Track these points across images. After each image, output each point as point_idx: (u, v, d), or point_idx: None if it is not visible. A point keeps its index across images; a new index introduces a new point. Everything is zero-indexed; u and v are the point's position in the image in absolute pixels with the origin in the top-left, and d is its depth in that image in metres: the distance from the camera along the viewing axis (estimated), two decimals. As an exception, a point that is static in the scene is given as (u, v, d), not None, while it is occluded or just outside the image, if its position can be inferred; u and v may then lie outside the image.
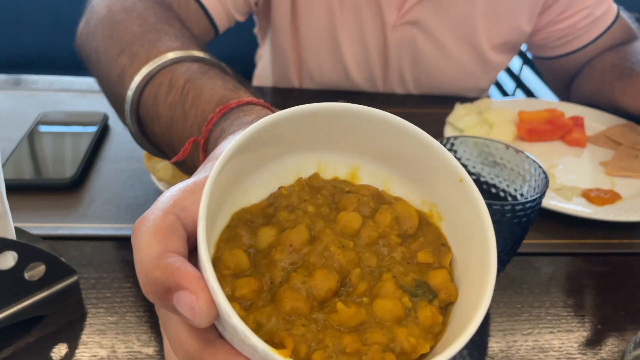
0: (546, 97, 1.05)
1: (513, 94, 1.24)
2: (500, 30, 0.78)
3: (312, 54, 0.79)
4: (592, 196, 0.56)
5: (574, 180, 0.61)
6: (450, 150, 0.42)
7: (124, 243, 0.49)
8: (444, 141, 0.46)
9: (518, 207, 0.39)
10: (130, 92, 0.42)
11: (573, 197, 0.56)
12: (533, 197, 0.39)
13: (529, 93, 1.19)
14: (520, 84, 1.23)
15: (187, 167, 0.41)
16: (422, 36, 0.76)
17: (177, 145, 0.40)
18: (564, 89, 0.87)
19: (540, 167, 0.42)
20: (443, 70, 0.79)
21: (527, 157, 0.43)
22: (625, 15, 0.80)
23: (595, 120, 0.72)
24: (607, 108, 0.75)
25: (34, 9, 1.26)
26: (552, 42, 0.82)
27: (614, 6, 0.80)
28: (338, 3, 0.73)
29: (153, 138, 0.44)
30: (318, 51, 0.78)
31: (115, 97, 0.47)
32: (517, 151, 0.45)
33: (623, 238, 0.54)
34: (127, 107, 0.43)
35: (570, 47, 0.81)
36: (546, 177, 0.41)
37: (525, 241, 0.51)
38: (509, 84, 1.29)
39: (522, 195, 0.44)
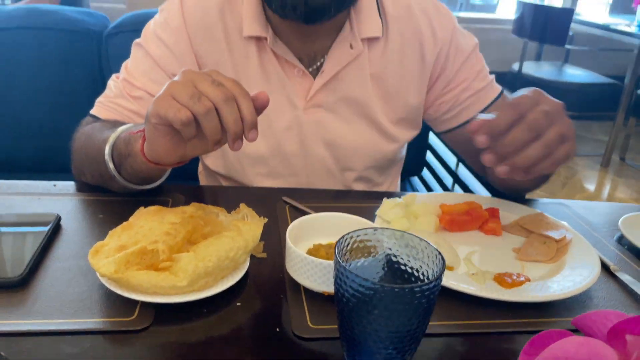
0: (482, 191, 1.15)
1: (452, 189, 1.34)
2: (393, 108, 0.91)
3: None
4: (503, 280, 0.62)
5: (489, 265, 0.67)
6: (377, 239, 0.51)
7: (63, 337, 0.51)
8: (374, 230, 0.52)
9: (416, 289, 0.44)
10: (108, 147, 0.73)
11: (486, 281, 0.62)
12: (432, 280, 0.45)
13: (465, 188, 1.28)
14: (457, 180, 1.34)
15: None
16: (329, 115, 0.89)
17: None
18: (476, 166, 1.00)
19: (439, 253, 0.49)
20: (351, 142, 0.91)
21: (429, 244, 0.50)
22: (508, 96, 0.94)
23: (510, 211, 0.80)
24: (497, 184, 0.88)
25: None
26: (442, 115, 0.95)
27: (497, 86, 0.94)
28: None
29: (121, 167, 0.73)
30: None
31: (97, 161, 0.76)
32: (421, 239, 0.51)
33: (531, 317, 0.59)
34: (107, 157, 0.73)
35: (460, 119, 0.94)
36: (443, 262, 0.47)
37: (440, 323, 0.57)
38: (448, 179, 1.39)
39: (428, 278, 0.50)
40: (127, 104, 0.86)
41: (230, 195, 0.87)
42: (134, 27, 1.30)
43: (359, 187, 0.97)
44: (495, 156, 0.61)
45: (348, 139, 0.91)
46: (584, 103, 3.36)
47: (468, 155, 1.02)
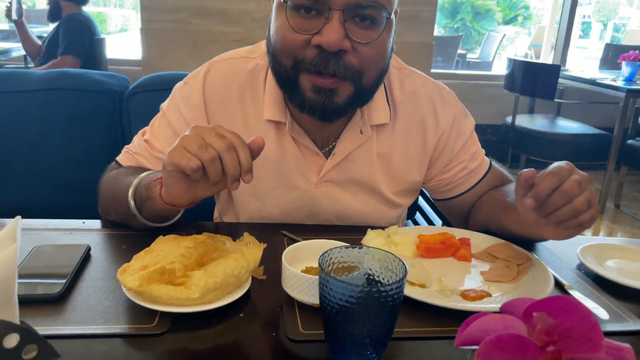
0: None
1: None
2: (397, 183, 1.02)
3: (241, 205, 1.02)
4: (467, 295, 0.73)
5: (457, 284, 0.78)
6: (361, 256, 0.63)
7: (95, 340, 0.62)
8: (358, 247, 0.63)
9: (382, 289, 0.55)
10: (131, 191, 0.85)
11: (451, 295, 0.73)
12: (396, 282, 0.56)
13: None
14: (447, 222, 1.45)
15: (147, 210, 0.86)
16: (338, 190, 1.00)
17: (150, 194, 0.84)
18: (462, 224, 1.10)
19: (402, 262, 0.60)
20: (357, 210, 1.02)
21: (396, 258, 0.61)
22: (497, 165, 1.08)
23: (480, 241, 0.92)
24: (498, 232, 0.95)
25: (25, 167, 1.48)
26: (441, 188, 1.07)
27: (487, 160, 1.07)
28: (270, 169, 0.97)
29: (142, 208, 0.86)
30: (246, 202, 1.01)
31: (121, 202, 0.88)
32: (395, 256, 0.62)
33: (491, 325, 0.69)
34: (130, 199, 0.85)
35: (456, 192, 1.06)
36: (405, 268, 0.58)
37: (414, 329, 0.67)
38: (438, 222, 1.50)
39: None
40: (145, 162, 0.99)
41: (236, 230, 0.99)
42: (151, 88, 1.46)
43: None
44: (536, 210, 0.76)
45: (355, 209, 1.02)
46: (577, 153, 3.50)
47: (455, 219, 1.13)
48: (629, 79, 3.51)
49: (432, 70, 3.56)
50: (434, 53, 3.49)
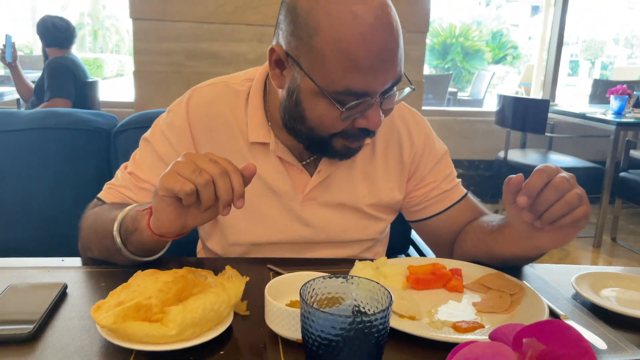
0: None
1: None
2: (378, 200, 1.04)
3: (228, 227, 1.00)
4: (459, 326, 0.70)
5: (449, 316, 0.75)
6: (345, 287, 0.60)
7: (67, 381, 0.59)
8: (342, 277, 0.61)
9: (366, 320, 0.52)
10: (116, 224, 0.84)
11: (443, 328, 0.70)
12: (381, 311, 0.53)
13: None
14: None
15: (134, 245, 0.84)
16: (322, 205, 1.00)
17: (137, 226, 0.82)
18: (445, 254, 1.09)
19: (387, 291, 0.57)
20: (340, 225, 1.02)
21: (381, 287, 0.58)
22: (473, 197, 1.09)
23: (471, 271, 0.89)
24: (488, 260, 0.93)
25: (11, 205, 1.45)
26: (412, 207, 1.08)
27: (462, 189, 1.08)
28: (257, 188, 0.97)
29: (127, 242, 0.84)
30: (234, 224, 1.00)
31: (104, 237, 0.86)
32: (380, 285, 0.59)
33: (485, 359, 0.66)
34: (115, 232, 0.83)
35: (428, 212, 1.07)
36: (390, 297, 0.56)
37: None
38: (431, 254, 1.48)
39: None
40: (130, 194, 0.97)
41: (220, 266, 0.95)
42: (139, 125, 1.45)
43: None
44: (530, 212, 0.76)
45: (339, 225, 1.02)
46: (570, 186, 3.49)
47: (436, 247, 1.14)
48: (618, 113, 3.55)
49: (424, 108, 3.60)
50: (425, 90, 3.53)
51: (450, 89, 7.00)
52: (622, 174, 3.37)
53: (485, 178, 4.31)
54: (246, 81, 1.00)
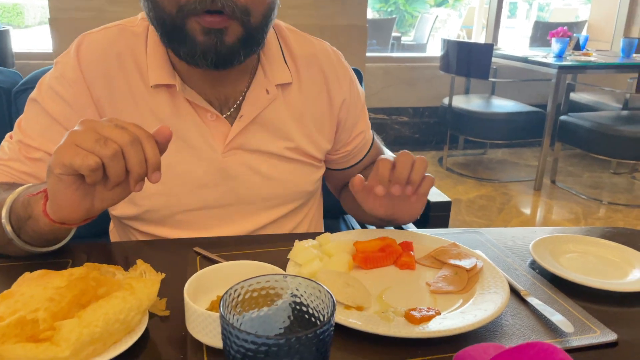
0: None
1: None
2: (313, 144, 0.93)
3: (139, 193, 0.84)
4: (412, 316, 0.61)
5: (401, 301, 0.66)
6: (287, 286, 0.49)
7: None
8: (283, 277, 0.50)
9: (302, 337, 0.42)
10: (5, 211, 0.70)
11: (395, 318, 0.61)
12: (321, 324, 0.43)
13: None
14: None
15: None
16: (250, 154, 0.88)
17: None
18: (337, 193, 1.12)
19: (329, 293, 0.47)
20: (278, 177, 0.91)
21: (322, 287, 0.48)
22: (377, 138, 1.06)
23: (423, 244, 0.80)
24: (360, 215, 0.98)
25: None
26: (338, 159, 1.01)
27: (371, 132, 1.05)
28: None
29: (21, 231, 0.70)
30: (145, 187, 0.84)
31: None
32: (315, 282, 0.49)
33: (443, 352, 0.58)
34: (5, 220, 0.70)
35: (351, 162, 1.03)
36: (333, 302, 0.45)
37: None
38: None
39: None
40: (22, 167, 0.81)
41: (137, 250, 0.83)
42: (44, 83, 1.26)
43: (284, 225, 0.95)
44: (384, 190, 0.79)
45: (275, 176, 0.90)
46: (513, 131, 3.52)
47: (336, 191, 1.12)
48: (559, 55, 3.55)
49: (368, 54, 3.46)
50: (369, 36, 3.39)
51: (393, 34, 6.85)
52: (563, 117, 3.41)
53: (430, 125, 4.28)
54: (144, 21, 0.86)
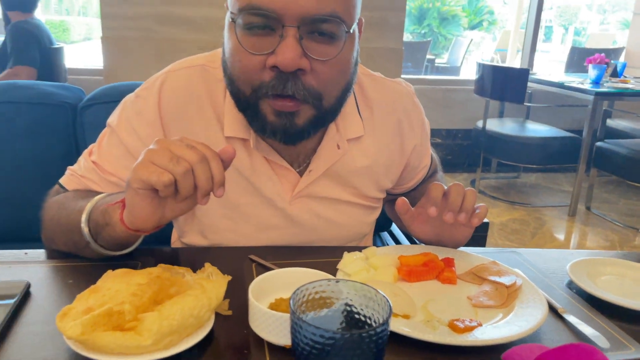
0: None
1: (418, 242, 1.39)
2: (377, 188, 0.98)
3: (209, 227, 0.92)
4: (455, 325, 0.66)
5: (444, 312, 0.71)
6: (336, 290, 0.55)
7: (30, 401, 0.53)
8: (334, 281, 0.56)
9: (364, 334, 0.47)
10: (84, 217, 0.77)
11: (439, 327, 0.66)
12: (378, 325, 0.48)
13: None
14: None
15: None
16: (315, 202, 0.92)
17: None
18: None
19: (386, 299, 0.52)
20: (337, 221, 0.95)
21: (378, 292, 0.54)
22: (435, 157, 1.10)
23: (464, 261, 0.85)
24: None
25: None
26: (399, 193, 1.06)
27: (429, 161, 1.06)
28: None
29: (98, 236, 0.77)
30: (216, 222, 0.92)
31: (70, 230, 0.79)
32: (374, 289, 0.55)
33: (484, 360, 0.63)
34: (84, 225, 0.77)
35: (402, 190, 1.06)
36: (389, 307, 0.51)
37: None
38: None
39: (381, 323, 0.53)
40: (95, 186, 0.88)
41: (198, 256, 0.90)
42: (107, 99, 1.36)
43: None
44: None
45: (334, 221, 0.95)
46: (547, 156, 3.51)
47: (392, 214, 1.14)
48: (596, 82, 3.55)
49: (402, 76, 3.52)
50: (405, 58, 3.46)
51: (427, 56, 6.92)
52: (599, 143, 3.39)
53: (463, 147, 4.30)
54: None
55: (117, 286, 0.62)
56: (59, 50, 3.17)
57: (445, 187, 0.85)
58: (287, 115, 0.76)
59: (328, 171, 0.91)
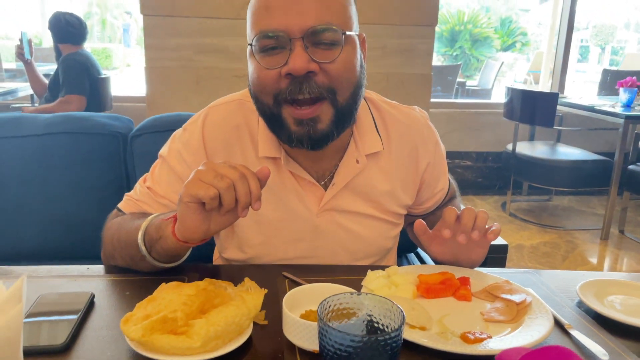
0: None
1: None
2: (397, 204, 1.07)
3: (245, 240, 1.03)
4: (467, 337, 0.73)
5: (458, 326, 0.78)
6: (358, 303, 0.65)
7: (100, 391, 0.63)
8: (356, 294, 0.65)
9: (380, 338, 0.56)
10: (140, 233, 0.88)
11: (452, 338, 0.73)
12: (394, 329, 0.57)
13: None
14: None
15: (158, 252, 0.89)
16: (340, 215, 1.03)
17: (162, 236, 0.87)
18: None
19: (400, 309, 0.61)
20: (360, 233, 1.05)
21: (393, 304, 0.62)
22: (453, 182, 1.19)
23: (479, 279, 0.92)
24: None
25: (34, 210, 1.50)
26: (419, 214, 1.15)
27: (447, 184, 1.17)
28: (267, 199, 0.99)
29: (152, 249, 0.88)
30: (251, 237, 1.03)
31: (128, 246, 0.91)
32: (393, 303, 0.63)
33: (492, 369, 0.70)
34: (140, 241, 0.88)
35: (420, 213, 1.17)
36: (403, 315, 0.59)
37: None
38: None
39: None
40: (149, 208, 1.01)
41: (237, 272, 1.00)
42: (154, 129, 1.49)
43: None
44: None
45: (358, 232, 1.05)
46: (579, 179, 3.51)
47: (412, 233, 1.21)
48: (627, 105, 3.54)
49: (432, 100, 3.60)
50: (434, 82, 3.54)
51: (458, 79, 6.97)
52: (631, 166, 3.37)
53: (494, 170, 4.33)
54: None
55: (170, 296, 0.73)
56: (106, 80, 3.39)
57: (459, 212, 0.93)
58: (308, 122, 0.88)
59: (350, 185, 1.01)
